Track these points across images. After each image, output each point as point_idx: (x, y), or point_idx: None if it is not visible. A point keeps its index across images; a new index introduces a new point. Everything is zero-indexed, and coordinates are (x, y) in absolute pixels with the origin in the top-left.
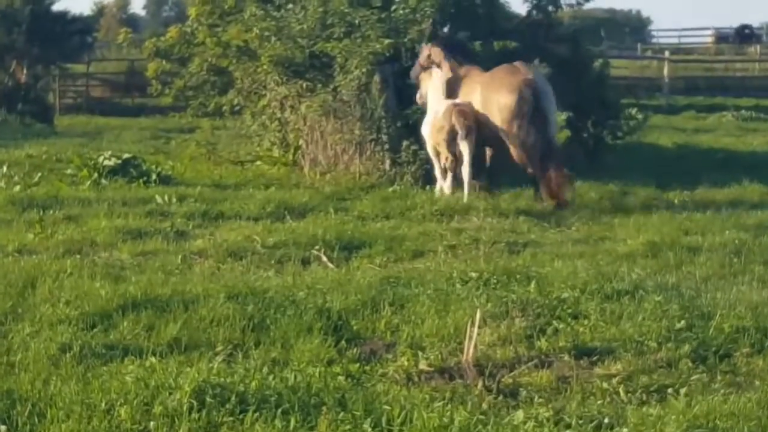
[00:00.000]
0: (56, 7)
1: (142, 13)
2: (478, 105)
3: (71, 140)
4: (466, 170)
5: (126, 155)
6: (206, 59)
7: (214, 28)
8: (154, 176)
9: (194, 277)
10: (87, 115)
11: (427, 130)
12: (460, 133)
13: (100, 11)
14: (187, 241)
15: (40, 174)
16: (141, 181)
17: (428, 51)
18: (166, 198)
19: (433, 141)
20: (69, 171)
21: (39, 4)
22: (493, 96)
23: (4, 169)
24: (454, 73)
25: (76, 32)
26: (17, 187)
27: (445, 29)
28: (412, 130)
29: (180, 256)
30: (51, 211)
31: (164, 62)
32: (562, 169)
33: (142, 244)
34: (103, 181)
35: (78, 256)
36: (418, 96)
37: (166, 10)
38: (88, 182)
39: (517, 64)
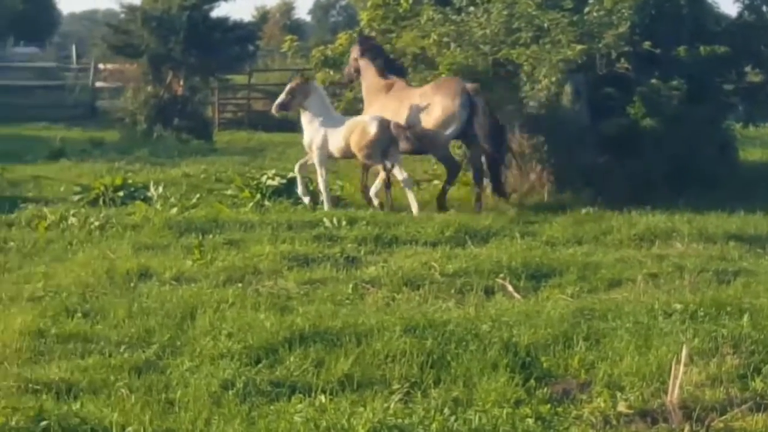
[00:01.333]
0: (215, 14)
1: (308, 18)
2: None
3: (231, 158)
4: (379, 185)
5: (291, 174)
6: None
7: (387, 34)
8: (321, 197)
9: (367, 308)
10: (248, 130)
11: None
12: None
13: (263, 17)
14: (358, 269)
15: (198, 195)
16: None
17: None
18: (334, 221)
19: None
20: (229, 192)
21: (197, 11)
22: (435, 100)
23: (160, 189)
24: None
25: (237, 40)
26: (174, 210)
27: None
28: (608, 145)
29: (351, 285)
30: (210, 236)
31: (332, 72)
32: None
33: (309, 272)
34: (267, 202)
35: (240, 285)
36: None
37: (333, 15)
38: (251, 204)
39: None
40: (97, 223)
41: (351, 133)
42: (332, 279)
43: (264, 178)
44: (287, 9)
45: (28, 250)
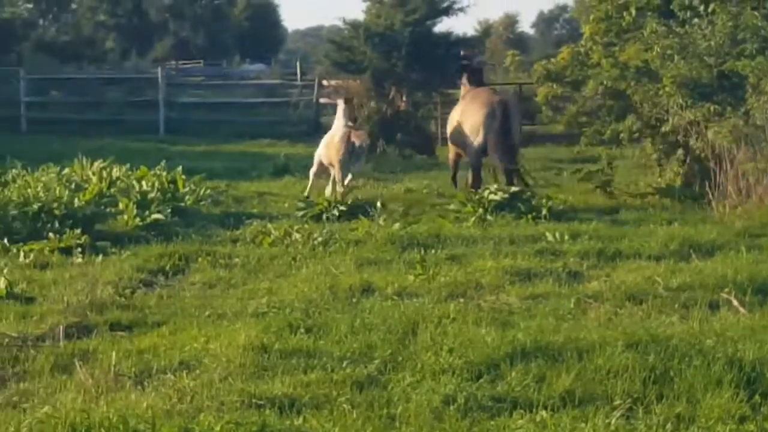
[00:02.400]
0: (438, 29)
1: (531, 32)
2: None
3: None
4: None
5: (513, 188)
6: (601, 82)
7: (610, 47)
8: (544, 211)
9: (589, 323)
10: None
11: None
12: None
13: (486, 31)
14: (580, 283)
15: (420, 210)
16: (530, 216)
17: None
18: (557, 235)
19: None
20: (451, 206)
21: (420, 26)
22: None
23: (381, 204)
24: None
25: (460, 55)
26: (396, 225)
27: None
28: None
29: (573, 300)
30: (433, 251)
31: (555, 86)
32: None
33: (531, 287)
34: (489, 217)
35: (462, 300)
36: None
37: (556, 28)
38: (473, 218)
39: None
40: (320, 239)
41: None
42: (554, 293)
43: (486, 193)
44: (510, 22)
45: (252, 265)
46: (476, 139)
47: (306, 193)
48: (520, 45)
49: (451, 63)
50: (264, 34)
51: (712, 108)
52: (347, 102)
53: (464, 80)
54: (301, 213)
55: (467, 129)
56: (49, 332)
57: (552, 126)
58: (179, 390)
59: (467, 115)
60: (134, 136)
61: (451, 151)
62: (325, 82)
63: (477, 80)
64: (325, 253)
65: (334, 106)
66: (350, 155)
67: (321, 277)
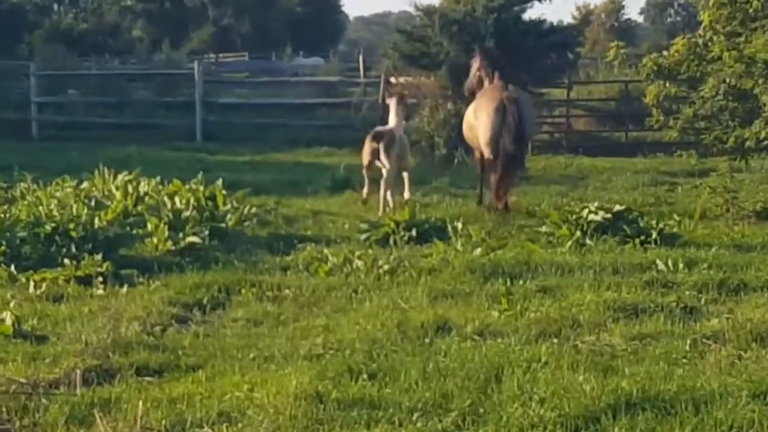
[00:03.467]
0: (528, 15)
1: (639, 19)
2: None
3: (547, 188)
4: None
5: (617, 207)
6: (723, 79)
7: (733, 38)
8: (654, 235)
9: (707, 369)
10: (567, 154)
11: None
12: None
13: (585, 19)
14: (697, 321)
15: (506, 232)
16: (637, 241)
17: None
18: (669, 263)
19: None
20: (544, 228)
21: (506, 12)
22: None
23: (459, 225)
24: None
25: (554, 47)
26: (478, 250)
27: None
28: None
29: (688, 341)
30: (521, 281)
31: (668, 84)
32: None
33: (638, 325)
34: (588, 241)
35: (555, 341)
36: None
37: (670, 15)
38: (569, 243)
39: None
40: (386, 267)
41: None
42: (666, 333)
43: (585, 213)
44: (615, 9)
45: (305, 298)
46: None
47: (379, 212)
48: (627, 35)
49: (543, 56)
50: (321, 22)
51: None
52: (400, 100)
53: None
54: (364, 236)
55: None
56: (64, 377)
57: (664, 132)
58: None
59: (477, 113)
60: (166, 143)
61: (476, 152)
62: (393, 80)
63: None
64: (393, 284)
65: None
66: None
67: (387, 313)
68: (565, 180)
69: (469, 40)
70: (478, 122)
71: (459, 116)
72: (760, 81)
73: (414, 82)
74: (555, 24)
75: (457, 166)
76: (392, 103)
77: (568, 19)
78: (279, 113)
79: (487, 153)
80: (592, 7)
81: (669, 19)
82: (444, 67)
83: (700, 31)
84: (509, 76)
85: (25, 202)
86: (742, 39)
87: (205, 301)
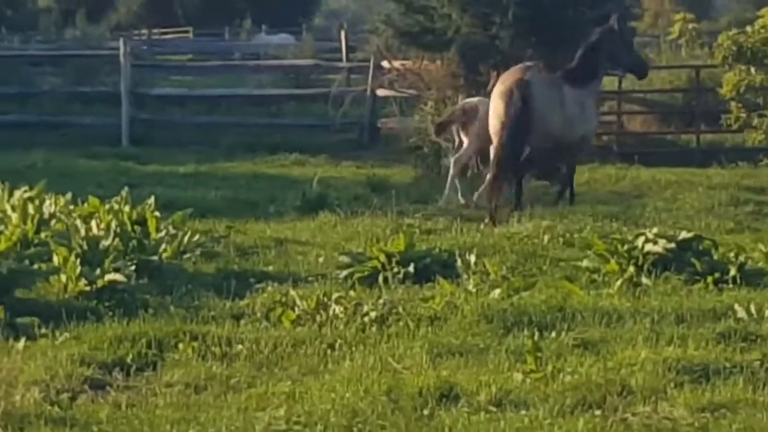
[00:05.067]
0: None
1: None
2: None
3: (590, 208)
4: None
5: (684, 235)
6: None
7: None
8: (732, 271)
9: None
10: (618, 163)
11: None
12: None
13: None
14: None
15: (536, 268)
16: (710, 279)
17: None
18: (753, 309)
19: None
20: (585, 263)
21: None
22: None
23: (472, 259)
24: None
25: (601, 20)
26: (496, 292)
27: None
28: None
29: None
30: (553, 334)
31: (751, 71)
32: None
33: (709, 392)
34: (645, 280)
35: (598, 412)
36: None
37: None
38: (619, 282)
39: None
40: (373, 314)
41: None
42: (746, 403)
43: (641, 242)
44: None
45: (264, 357)
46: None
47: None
48: (700, 5)
49: (587, 32)
50: None
51: None
52: None
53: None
54: (344, 272)
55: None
56: None
57: (746, 134)
58: None
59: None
60: (81, 148)
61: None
62: (385, 64)
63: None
64: (382, 337)
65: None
66: None
67: (374, 376)
68: (615, 198)
69: (488, 13)
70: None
71: None
72: None
73: (413, 67)
74: None
75: (470, 180)
76: None
77: None
78: (233, 109)
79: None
80: None
81: None
82: (453, 47)
83: None
84: (544, 61)
85: None
86: None
87: (129, 359)
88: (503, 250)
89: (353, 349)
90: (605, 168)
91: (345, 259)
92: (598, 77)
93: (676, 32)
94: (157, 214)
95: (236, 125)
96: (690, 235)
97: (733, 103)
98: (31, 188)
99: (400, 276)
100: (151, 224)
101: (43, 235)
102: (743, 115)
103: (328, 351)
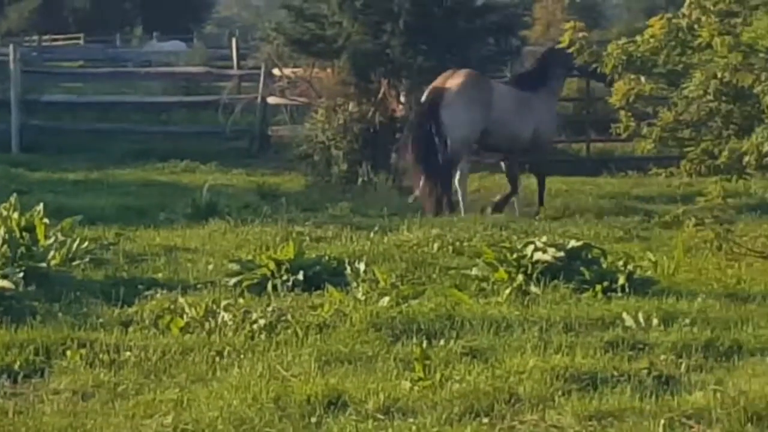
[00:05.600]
0: None
1: None
2: None
3: (480, 217)
4: None
5: (573, 243)
6: (714, 74)
7: (727, 18)
8: (621, 280)
9: None
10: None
11: None
12: None
13: None
14: (675, 395)
15: (425, 276)
16: (598, 288)
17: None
18: (640, 318)
19: None
20: (475, 271)
21: None
22: None
23: (362, 267)
24: None
25: (492, 29)
26: (385, 300)
27: None
28: None
29: (663, 421)
30: (442, 342)
31: (641, 79)
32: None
33: (596, 400)
34: (534, 288)
35: (486, 420)
36: None
37: None
38: (508, 291)
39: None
40: (262, 322)
41: None
42: (633, 411)
43: (530, 250)
44: None
45: (152, 364)
46: None
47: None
48: (592, 15)
49: (478, 41)
50: None
51: None
52: None
53: None
54: (233, 280)
55: None
56: None
57: (636, 143)
58: None
59: None
60: None
61: None
62: (276, 72)
63: None
64: (270, 345)
65: (291, 109)
66: None
67: (262, 383)
68: (510, 206)
69: (379, 20)
70: None
71: (364, 121)
72: (763, 76)
73: (304, 75)
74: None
75: (361, 187)
76: None
77: None
78: (124, 116)
79: None
80: None
81: None
82: (344, 55)
83: (684, 10)
84: (430, 68)
85: None
86: (739, 20)
87: (16, 366)
88: (393, 258)
89: (241, 356)
90: (495, 176)
91: (234, 266)
92: (548, 83)
93: (566, 41)
94: (46, 220)
95: (127, 132)
96: (579, 243)
97: (622, 113)
98: None
99: (290, 284)
100: (40, 231)
101: None
102: (633, 124)
103: (217, 358)
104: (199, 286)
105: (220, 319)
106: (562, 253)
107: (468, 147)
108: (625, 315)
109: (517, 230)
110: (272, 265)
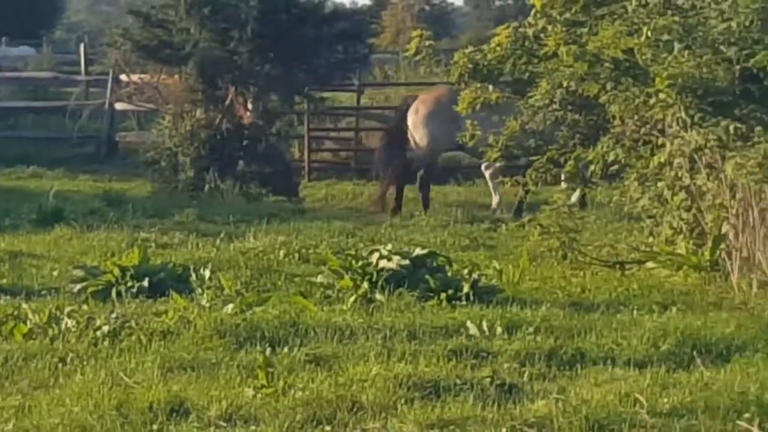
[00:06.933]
0: None
1: (459, 2)
2: None
3: (326, 224)
4: None
5: (418, 251)
6: (560, 83)
7: (573, 28)
8: (466, 288)
9: None
10: (355, 179)
11: None
12: None
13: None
14: (518, 403)
15: (270, 283)
16: (443, 296)
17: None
18: (484, 326)
19: None
20: (320, 279)
21: None
22: None
23: (207, 274)
24: None
25: (341, 37)
26: (230, 307)
27: None
28: None
29: (504, 430)
30: (286, 349)
31: (489, 88)
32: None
33: (438, 408)
34: (378, 296)
35: (328, 428)
36: None
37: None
38: (352, 298)
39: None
40: (106, 329)
41: None
42: (475, 419)
43: (375, 258)
44: None
45: None
46: None
47: None
48: (440, 23)
49: (326, 48)
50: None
51: (732, 127)
52: None
53: None
54: (77, 286)
55: None
56: None
57: (482, 151)
58: None
59: None
60: None
61: None
62: (124, 77)
63: None
64: (114, 352)
65: (138, 115)
66: None
67: (104, 390)
68: (351, 214)
69: (227, 27)
70: None
71: (212, 127)
72: (608, 86)
73: (151, 81)
74: (342, 7)
75: (208, 194)
76: None
77: (361, 1)
78: None
79: None
80: None
81: (499, 2)
82: (192, 61)
83: (530, 19)
84: (277, 76)
85: None
86: (585, 30)
87: None
88: (238, 265)
89: (84, 363)
90: (342, 184)
91: (79, 272)
92: None
93: (412, 49)
94: None
95: None
96: (424, 251)
97: (468, 121)
98: None
99: (134, 290)
100: None
101: None
102: (479, 132)
103: (59, 365)
104: (43, 292)
105: (63, 326)
106: (407, 261)
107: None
108: (469, 323)
109: (363, 238)
110: (117, 272)
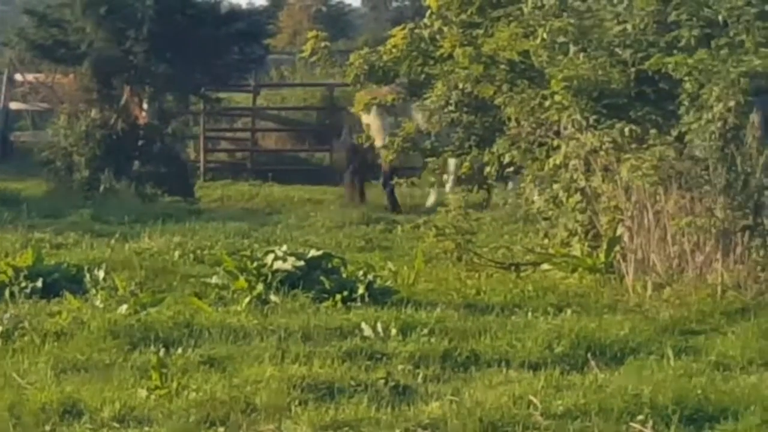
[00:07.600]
0: None
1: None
2: None
3: (222, 225)
4: None
5: (313, 252)
6: (456, 84)
7: (469, 29)
8: (361, 289)
9: None
10: (253, 180)
11: None
12: None
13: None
14: (412, 405)
15: (165, 284)
16: (338, 297)
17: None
18: (379, 328)
19: None
20: (214, 279)
21: None
22: None
23: (101, 274)
24: None
25: (236, 37)
26: (123, 307)
27: None
28: None
29: (399, 431)
30: (180, 350)
31: (383, 90)
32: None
33: (332, 409)
34: (273, 297)
35: (222, 429)
36: None
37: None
38: (247, 300)
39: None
40: None
41: None
42: (369, 421)
43: (270, 259)
44: None
45: None
46: None
47: None
48: (337, 24)
49: (222, 49)
50: None
51: (627, 129)
52: None
53: None
54: None
55: None
56: None
57: (378, 153)
58: None
59: None
60: None
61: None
62: (19, 77)
63: None
64: (6, 352)
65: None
66: None
67: None
68: (247, 215)
69: (122, 27)
70: None
71: (107, 127)
72: (504, 87)
73: (46, 81)
74: (238, 7)
75: (103, 194)
76: None
77: (257, 2)
78: None
79: None
80: None
81: (396, 3)
82: (87, 61)
83: (426, 20)
84: (173, 75)
85: None
86: (481, 32)
87: None
88: (132, 265)
89: None
90: (238, 185)
91: None
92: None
93: (308, 50)
94: None
95: None
96: (319, 252)
97: (364, 123)
98: None
99: (28, 290)
100: None
101: None
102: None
103: None
104: None
105: None
106: (302, 263)
107: None
108: (363, 325)
109: (258, 239)
110: (10, 272)
